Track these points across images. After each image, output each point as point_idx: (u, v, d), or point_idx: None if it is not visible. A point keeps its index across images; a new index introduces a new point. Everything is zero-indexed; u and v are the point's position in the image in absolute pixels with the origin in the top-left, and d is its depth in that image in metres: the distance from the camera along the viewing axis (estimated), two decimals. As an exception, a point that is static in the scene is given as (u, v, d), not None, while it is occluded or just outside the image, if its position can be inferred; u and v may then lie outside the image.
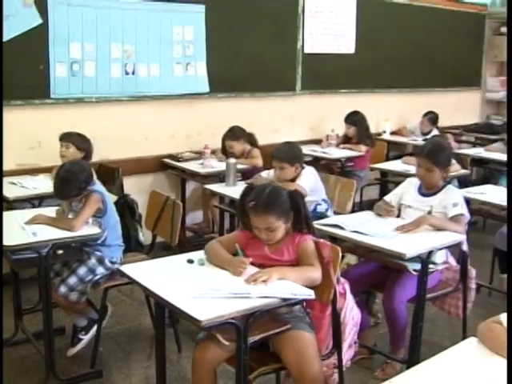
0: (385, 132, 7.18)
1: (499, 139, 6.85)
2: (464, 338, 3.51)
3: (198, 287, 2.51)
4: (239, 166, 4.99)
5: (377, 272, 3.63)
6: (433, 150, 3.76)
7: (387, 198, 3.95)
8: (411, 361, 3.31)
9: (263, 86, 6.12)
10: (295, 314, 2.78)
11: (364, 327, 3.69)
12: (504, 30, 8.33)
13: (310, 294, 2.56)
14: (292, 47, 6.28)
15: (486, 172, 7.14)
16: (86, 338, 3.71)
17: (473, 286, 3.76)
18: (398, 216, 3.79)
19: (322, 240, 2.93)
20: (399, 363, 3.56)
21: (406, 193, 3.87)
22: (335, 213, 4.26)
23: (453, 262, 3.71)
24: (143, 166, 5.41)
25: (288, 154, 4.31)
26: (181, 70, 5.53)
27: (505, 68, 8.70)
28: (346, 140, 6.43)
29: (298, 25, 6.29)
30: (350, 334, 3.01)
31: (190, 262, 2.88)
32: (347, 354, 3.04)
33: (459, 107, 8.27)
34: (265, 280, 2.54)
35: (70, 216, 3.53)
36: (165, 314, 2.99)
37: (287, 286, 2.56)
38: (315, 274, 2.75)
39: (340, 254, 2.82)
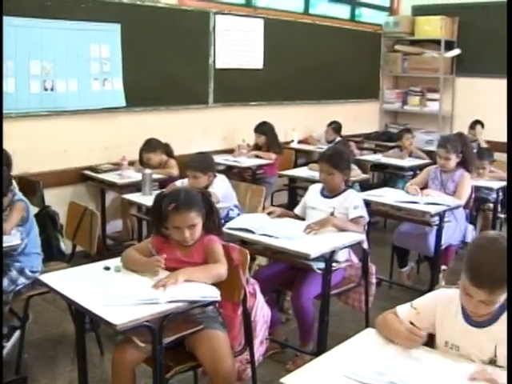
0: (293, 141, 7.23)
1: (395, 146, 7.03)
2: (367, 327, 3.60)
3: (110, 294, 2.45)
4: (156, 176, 4.96)
5: (285, 272, 3.65)
6: (332, 155, 3.84)
7: (296, 211, 3.99)
8: (319, 352, 3.32)
9: (177, 100, 6.08)
10: (208, 315, 2.77)
11: (275, 324, 3.71)
12: (397, 47, 8.58)
13: (217, 296, 2.54)
14: (204, 63, 6.27)
15: (385, 176, 7.30)
16: (8, 345, 3.58)
17: (373, 281, 3.84)
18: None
19: (231, 244, 2.93)
20: (309, 355, 3.59)
21: (311, 197, 3.92)
22: (246, 218, 4.28)
23: (355, 259, 3.78)
24: (63, 178, 5.28)
25: (201, 164, 4.30)
26: (98, 86, 5.43)
27: (399, 82, 9.00)
28: (256, 149, 6.45)
29: (210, 42, 6.28)
30: (261, 331, 3.02)
31: (107, 269, 2.83)
32: (259, 349, 3.06)
33: (360, 117, 8.42)
34: (173, 283, 2.52)
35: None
36: (85, 320, 2.92)
37: (195, 288, 2.54)
38: (221, 269, 2.74)
39: (248, 257, 2.83)
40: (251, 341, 2.93)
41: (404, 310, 2.27)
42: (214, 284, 2.63)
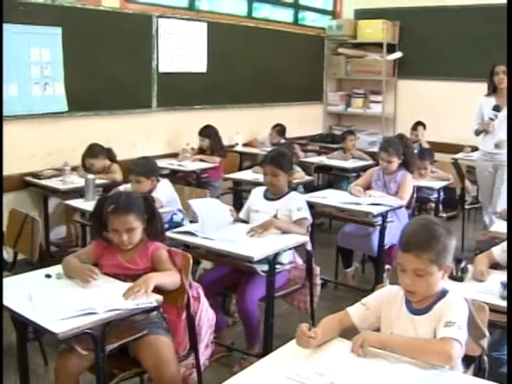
0: (237, 144, 7.24)
1: (339, 148, 7.10)
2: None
3: (46, 307, 2.41)
4: (99, 181, 4.91)
5: (230, 275, 3.65)
6: (275, 156, 3.87)
7: (241, 215, 3.99)
8: (265, 354, 3.32)
9: (120, 104, 6.01)
10: (152, 320, 2.75)
11: (221, 327, 3.72)
12: (340, 50, 8.68)
13: (151, 302, 2.53)
14: (147, 66, 6.22)
15: (330, 178, 7.37)
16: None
17: (318, 282, 3.87)
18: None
19: (173, 248, 2.93)
20: (255, 357, 3.60)
21: (254, 200, 3.93)
22: (191, 222, 4.26)
23: (299, 261, 3.80)
24: (5, 184, 5.15)
25: (144, 169, 4.28)
26: (39, 90, 5.32)
27: (342, 84, 9.09)
28: (200, 152, 6.43)
29: (153, 45, 6.22)
30: (206, 335, 3.02)
31: (48, 276, 2.79)
32: (205, 353, 3.06)
33: (304, 119, 8.49)
34: (146, 291, 2.53)
35: None
36: (28, 329, 2.87)
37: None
38: (177, 278, 2.79)
39: (191, 261, 2.83)
40: (196, 345, 2.93)
41: (354, 309, 2.33)
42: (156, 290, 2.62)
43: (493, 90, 5.69)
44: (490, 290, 2.83)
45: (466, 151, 6.92)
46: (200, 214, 3.55)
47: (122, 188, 4.45)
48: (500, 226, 3.99)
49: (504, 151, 5.55)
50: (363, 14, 8.62)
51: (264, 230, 3.52)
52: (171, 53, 6.45)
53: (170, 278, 2.75)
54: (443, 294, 2.22)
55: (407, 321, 2.22)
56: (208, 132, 6.39)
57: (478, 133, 5.81)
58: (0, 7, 4.23)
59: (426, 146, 7.04)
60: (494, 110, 5.57)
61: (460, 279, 2.94)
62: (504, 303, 2.69)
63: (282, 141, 7.08)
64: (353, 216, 4.63)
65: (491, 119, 5.58)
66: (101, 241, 2.92)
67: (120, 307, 2.42)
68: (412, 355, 2.08)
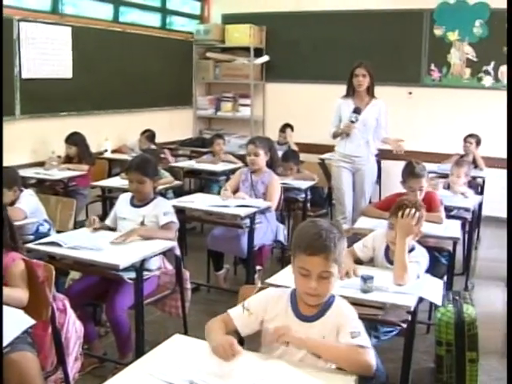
0: (106, 151, 7.10)
1: (208, 152, 7.16)
2: (186, 333, 3.64)
3: None
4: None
5: (99, 284, 3.59)
6: (140, 163, 3.85)
7: (107, 222, 3.93)
8: (138, 362, 3.32)
9: (-20, 113, 5.75)
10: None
11: (92, 338, 3.66)
12: (209, 54, 8.73)
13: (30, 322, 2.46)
14: (9, 73, 5.95)
15: (201, 182, 7.41)
16: None
17: (188, 286, 3.86)
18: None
19: (34, 260, 2.85)
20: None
21: (121, 207, 3.89)
22: (58, 231, 4.16)
23: (169, 266, 3.79)
24: None
25: (5, 179, 4.11)
26: None
27: (211, 88, 9.16)
28: (67, 160, 6.26)
29: (14, 51, 5.99)
30: (74, 348, 2.95)
31: None
32: (74, 366, 2.98)
33: (174, 124, 8.46)
34: None
35: None
36: None
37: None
38: (24, 296, 2.71)
39: (53, 272, 2.76)
40: (64, 359, 2.84)
41: (237, 313, 2.30)
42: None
43: (352, 92, 5.63)
44: (351, 284, 2.95)
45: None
46: None
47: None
48: (362, 223, 4.15)
49: (364, 156, 5.66)
50: (231, 19, 8.72)
51: (127, 238, 3.49)
52: (34, 58, 6.23)
53: (12, 296, 2.65)
54: (331, 298, 2.25)
55: (297, 327, 2.20)
56: (75, 139, 6.24)
57: (335, 135, 5.73)
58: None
59: (295, 147, 7.23)
60: (354, 112, 5.47)
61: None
62: (364, 296, 2.82)
63: (152, 146, 7.03)
64: (222, 219, 4.67)
65: (352, 121, 5.48)
66: None
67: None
68: (335, 361, 2.09)
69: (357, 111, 5.47)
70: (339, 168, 5.77)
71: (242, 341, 2.34)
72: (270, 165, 5.02)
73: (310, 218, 2.41)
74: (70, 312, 2.92)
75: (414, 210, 3.21)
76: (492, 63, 7.40)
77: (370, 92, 5.61)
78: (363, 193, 5.77)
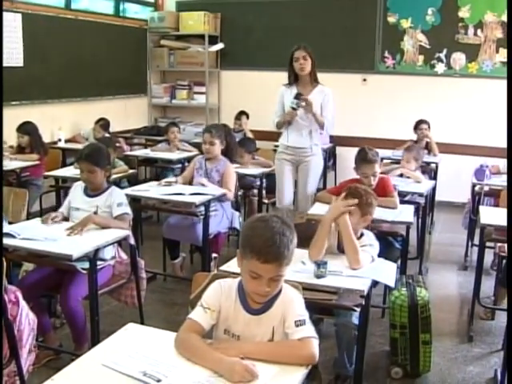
0: (60, 140, 7.00)
1: (164, 140, 7.12)
2: (142, 322, 3.63)
3: None
4: None
5: (52, 275, 3.54)
6: (90, 153, 3.78)
7: (61, 209, 3.86)
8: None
9: None
10: (-36, 330, 2.61)
11: (47, 330, 3.62)
12: (163, 42, 8.67)
13: None
14: (-45, 62, 5.84)
15: (157, 170, 7.37)
16: None
17: (143, 275, 3.83)
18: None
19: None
20: (84, 357, 3.54)
21: (74, 197, 3.84)
22: (10, 223, 4.08)
23: (124, 256, 3.77)
24: None
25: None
26: None
27: (166, 76, 9.10)
28: (20, 150, 6.15)
29: (-39, 38, 5.86)
30: (28, 340, 2.90)
31: None
32: (28, 359, 2.92)
33: (129, 113, 8.40)
34: None
35: None
36: None
37: None
38: None
39: (4, 264, 2.71)
40: (16, 352, 2.79)
41: (200, 315, 2.21)
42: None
43: (294, 79, 5.19)
44: (305, 269, 2.97)
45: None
46: None
47: None
48: (316, 209, 4.18)
49: (307, 147, 5.27)
50: (185, 6, 8.69)
51: (82, 227, 3.45)
52: (-18, 46, 6.11)
53: None
54: (280, 288, 2.21)
55: (246, 321, 2.19)
56: (27, 128, 6.12)
57: (280, 125, 5.31)
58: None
59: (250, 134, 7.25)
60: (295, 98, 5.00)
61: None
62: (318, 281, 2.84)
63: (107, 135, 6.96)
64: (177, 207, 4.65)
65: (294, 109, 5.04)
66: None
67: None
68: (277, 361, 2.04)
69: (298, 97, 5.02)
70: (281, 161, 5.39)
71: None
72: (226, 152, 5.01)
73: (261, 214, 2.32)
74: (23, 304, 2.86)
75: (354, 200, 3.23)
76: (444, 50, 7.52)
77: (312, 77, 5.17)
78: (306, 186, 5.33)
